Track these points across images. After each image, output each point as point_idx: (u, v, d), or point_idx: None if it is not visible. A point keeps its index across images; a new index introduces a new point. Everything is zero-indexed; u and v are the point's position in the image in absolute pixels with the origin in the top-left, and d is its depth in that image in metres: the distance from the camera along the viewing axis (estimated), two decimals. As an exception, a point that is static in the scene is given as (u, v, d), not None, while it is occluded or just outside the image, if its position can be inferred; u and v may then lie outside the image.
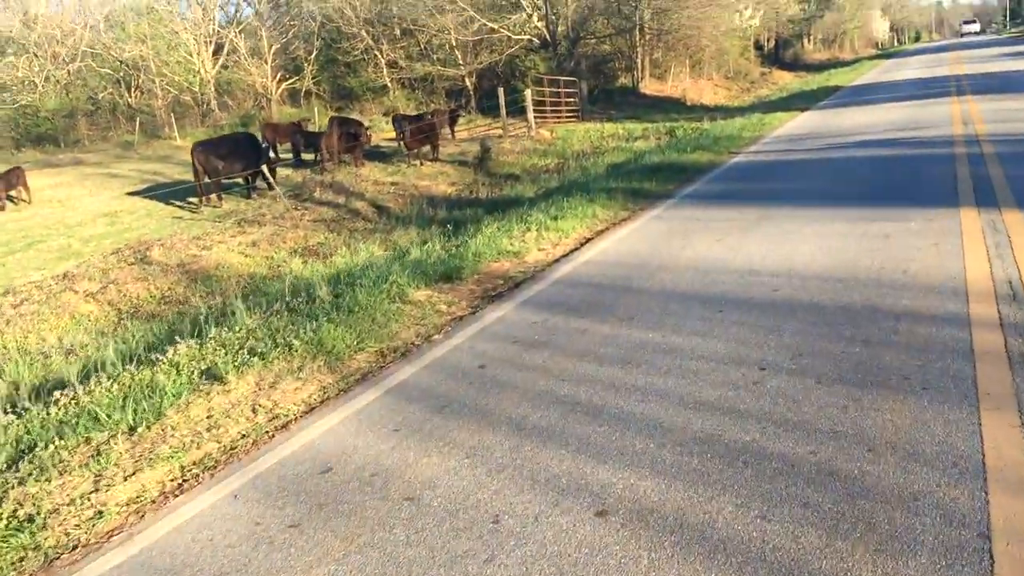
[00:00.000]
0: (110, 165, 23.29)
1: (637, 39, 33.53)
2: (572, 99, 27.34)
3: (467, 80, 31.24)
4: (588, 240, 8.63)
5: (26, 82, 29.34)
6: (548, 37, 29.01)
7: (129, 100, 31.57)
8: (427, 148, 19.80)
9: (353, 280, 7.03)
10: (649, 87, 36.23)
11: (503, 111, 22.64)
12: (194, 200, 16.18)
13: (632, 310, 5.77)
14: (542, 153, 20.46)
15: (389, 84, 32.25)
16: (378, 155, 20.82)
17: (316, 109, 31.57)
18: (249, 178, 16.65)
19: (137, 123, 29.60)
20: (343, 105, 32.63)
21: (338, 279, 7.33)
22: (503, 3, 29.33)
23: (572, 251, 8.19)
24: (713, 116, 23.92)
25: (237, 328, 5.89)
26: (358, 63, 32.03)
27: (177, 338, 5.68)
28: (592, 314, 5.83)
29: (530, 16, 29.22)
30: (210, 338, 5.70)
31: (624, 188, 11.42)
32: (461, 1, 28.05)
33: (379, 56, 31.83)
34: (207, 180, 15.94)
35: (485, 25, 28.95)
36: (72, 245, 13.96)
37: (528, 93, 22.72)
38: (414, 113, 23.28)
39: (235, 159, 16.22)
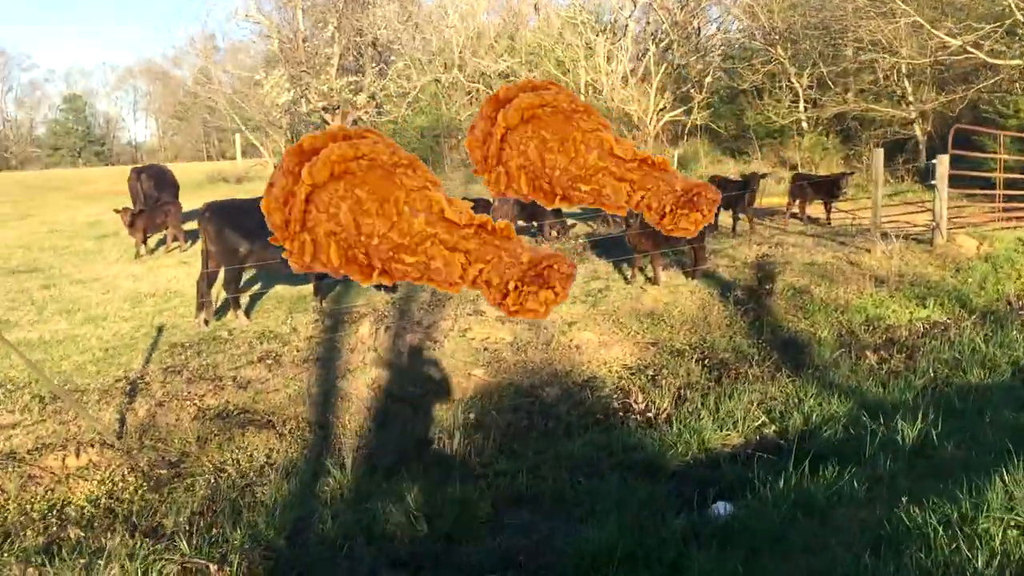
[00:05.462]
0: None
1: None
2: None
3: (916, 126, 19.65)
4: None
5: (399, 95, 27.10)
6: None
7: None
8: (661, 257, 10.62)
9: None
10: None
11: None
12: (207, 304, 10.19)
13: None
14: (923, 291, 9.47)
15: (806, 124, 22.20)
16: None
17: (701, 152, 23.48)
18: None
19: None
20: (736, 148, 23.73)
21: None
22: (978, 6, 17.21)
23: None
24: None
25: None
26: (763, 92, 22.62)
27: None
28: None
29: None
30: None
31: None
32: (907, 1, 17.03)
33: (795, 83, 22.07)
34: (222, 270, 10.03)
35: (961, 45, 17.26)
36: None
37: (943, 161, 11.54)
38: (734, 178, 13.88)
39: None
